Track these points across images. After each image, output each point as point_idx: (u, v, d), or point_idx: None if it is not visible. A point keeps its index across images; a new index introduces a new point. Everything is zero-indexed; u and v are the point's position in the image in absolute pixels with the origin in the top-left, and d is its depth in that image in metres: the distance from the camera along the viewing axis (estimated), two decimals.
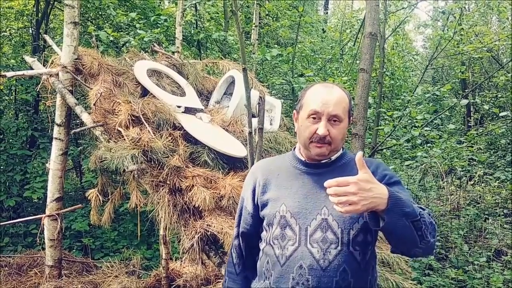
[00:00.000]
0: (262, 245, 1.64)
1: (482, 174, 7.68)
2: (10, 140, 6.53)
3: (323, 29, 11.96)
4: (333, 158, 1.64)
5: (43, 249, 4.16)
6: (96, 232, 6.01)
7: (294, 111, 1.73)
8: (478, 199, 7.33)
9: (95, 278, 4.35)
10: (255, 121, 2.87)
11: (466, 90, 9.00)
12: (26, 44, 8.10)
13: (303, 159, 1.66)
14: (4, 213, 6.15)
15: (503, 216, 6.72)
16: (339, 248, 1.49)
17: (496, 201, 7.25)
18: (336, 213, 1.51)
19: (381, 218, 1.38)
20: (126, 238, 6.01)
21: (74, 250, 5.69)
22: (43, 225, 3.68)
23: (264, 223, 1.64)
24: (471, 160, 7.43)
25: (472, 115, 10.03)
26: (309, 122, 1.58)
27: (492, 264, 5.14)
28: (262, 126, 2.62)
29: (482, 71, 10.72)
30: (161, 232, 4.00)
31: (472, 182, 7.87)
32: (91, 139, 3.24)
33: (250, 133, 2.66)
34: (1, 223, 4.74)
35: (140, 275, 4.63)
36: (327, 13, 15.36)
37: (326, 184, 1.35)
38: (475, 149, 7.65)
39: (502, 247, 5.78)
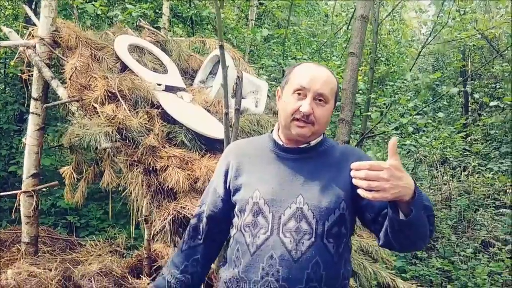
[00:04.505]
0: (233, 232, 1.56)
1: (476, 164, 7.61)
2: None
3: (326, 15, 11.75)
4: (312, 143, 1.54)
5: None
6: (82, 210, 5.95)
7: (278, 88, 1.63)
8: (470, 190, 7.27)
9: (78, 256, 4.30)
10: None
11: (459, 79, 8.88)
12: (18, 17, 7.93)
13: (281, 142, 1.57)
14: None
15: (493, 208, 6.68)
16: (312, 239, 1.41)
17: (488, 192, 7.20)
18: (312, 202, 1.43)
19: (401, 210, 1.27)
20: (112, 217, 5.95)
21: (58, 228, 5.63)
22: (19, 201, 3.60)
23: (236, 209, 1.55)
24: (464, 151, 7.35)
25: (470, 105, 9.92)
26: (293, 98, 1.49)
27: (479, 256, 5.10)
28: (239, 107, 2.53)
29: (482, 61, 10.58)
30: (134, 212, 3.93)
31: (466, 173, 7.81)
32: (67, 115, 3.14)
33: (226, 114, 2.56)
34: None
35: (124, 255, 4.58)
36: None
37: (354, 165, 1.22)
38: (470, 140, 7.57)
39: (490, 239, 5.74)
